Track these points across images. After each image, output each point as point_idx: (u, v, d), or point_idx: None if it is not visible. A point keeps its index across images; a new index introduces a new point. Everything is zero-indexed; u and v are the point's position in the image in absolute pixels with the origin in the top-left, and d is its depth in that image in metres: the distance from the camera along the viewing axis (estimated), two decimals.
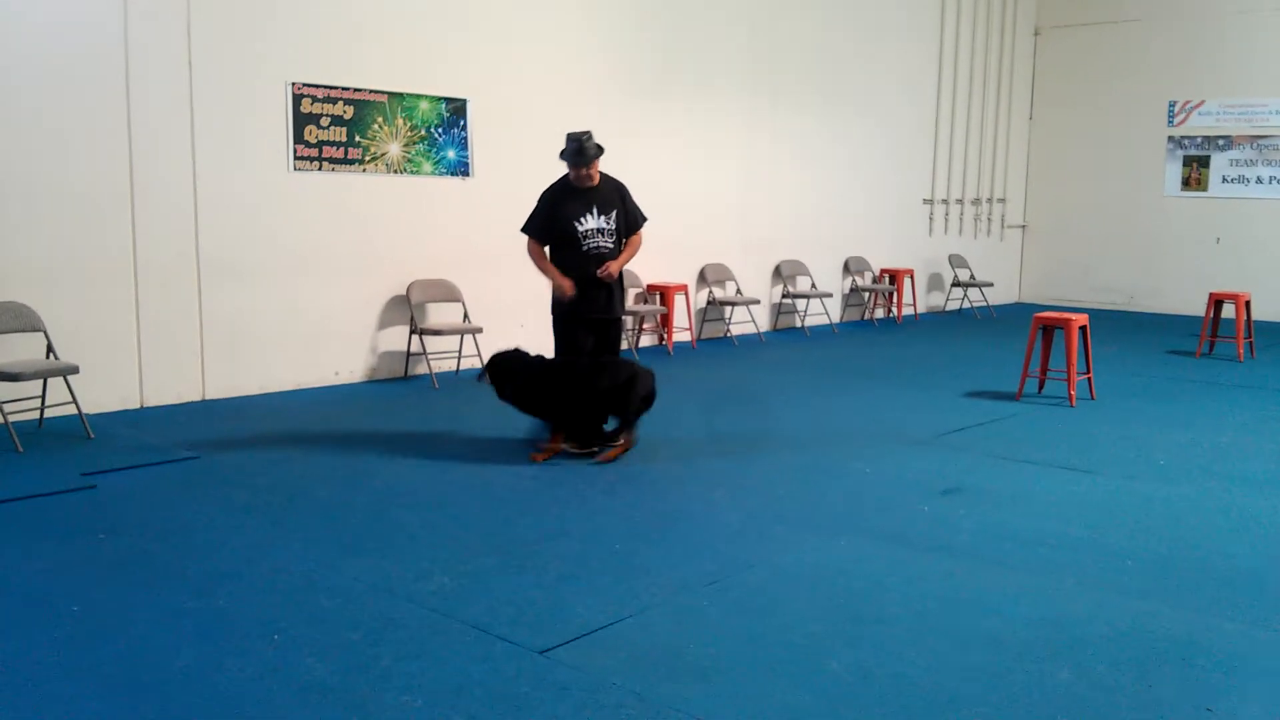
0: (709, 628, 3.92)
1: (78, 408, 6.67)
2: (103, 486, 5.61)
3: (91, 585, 4.26)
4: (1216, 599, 4.29)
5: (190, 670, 3.50)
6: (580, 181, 6.44)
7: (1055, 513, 5.43)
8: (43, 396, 6.85)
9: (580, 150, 6.33)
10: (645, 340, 11.00)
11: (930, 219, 15.01)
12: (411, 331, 8.90)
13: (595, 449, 6.42)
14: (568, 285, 6.38)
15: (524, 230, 6.48)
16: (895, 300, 14.05)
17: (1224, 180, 14.90)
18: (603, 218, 6.46)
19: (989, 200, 16.03)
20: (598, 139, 6.52)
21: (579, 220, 6.40)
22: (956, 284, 15.14)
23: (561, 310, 6.50)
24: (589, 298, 6.47)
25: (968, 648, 3.76)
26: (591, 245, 6.42)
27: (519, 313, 9.40)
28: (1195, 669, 3.63)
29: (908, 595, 4.26)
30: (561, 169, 6.56)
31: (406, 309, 8.92)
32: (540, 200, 6.48)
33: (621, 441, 6.36)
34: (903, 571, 4.53)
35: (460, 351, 9.26)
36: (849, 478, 6.09)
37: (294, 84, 8.07)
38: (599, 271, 6.39)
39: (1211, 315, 11.12)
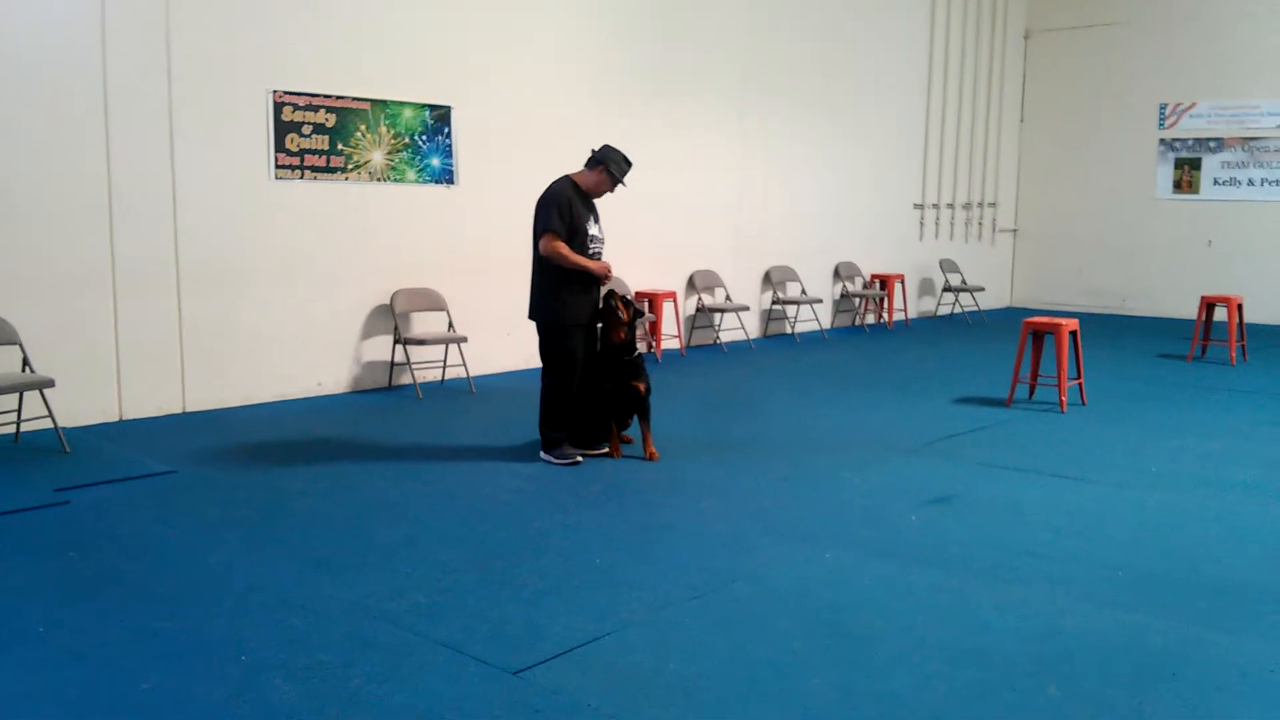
0: (690, 645, 3.82)
1: (54, 421, 6.57)
2: (76, 502, 5.50)
3: (59, 605, 4.15)
4: (1209, 611, 4.20)
5: (155, 694, 3.39)
6: (598, 190, 6.47)
7: (1046, 522, 5.35)
8: (19, 410, 6.75)
9: (629, 167, 6.46)
10: None
11: (921, 224, 14.95)
12: (396, 341, 8.81)
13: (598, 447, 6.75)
14: (605, 267, 6.41)
15: (551, 229, 6.25)
16: (886, 306, 13.98)
17: (1215, 183, 14.86)
18: (597, 226, 6.52)
19: (980, 205, 15.98)
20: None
21: (588, 225, 6.40)
22: (948, 289, 15.07)
23: (576, 321, 6.43)
24: (594, 303, 6.53)
25: (955, 664, 3.67)
26: (595, 251, 6.45)
27: (505, 321, 9.32)
28: (1187, 684, 3.54)
29: (894, 609, 4.17)
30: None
31: (390, 318, 8.82)
32: (558, 201, 6.30)
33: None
34: (890, 584, 4.44)
35: (445, 361, 9.16)
36: (837, 487, 6.00)
37: (275, 92, 7.98)
38: (601, 272, 6.42)
39: (1203, 319, 11.06)
